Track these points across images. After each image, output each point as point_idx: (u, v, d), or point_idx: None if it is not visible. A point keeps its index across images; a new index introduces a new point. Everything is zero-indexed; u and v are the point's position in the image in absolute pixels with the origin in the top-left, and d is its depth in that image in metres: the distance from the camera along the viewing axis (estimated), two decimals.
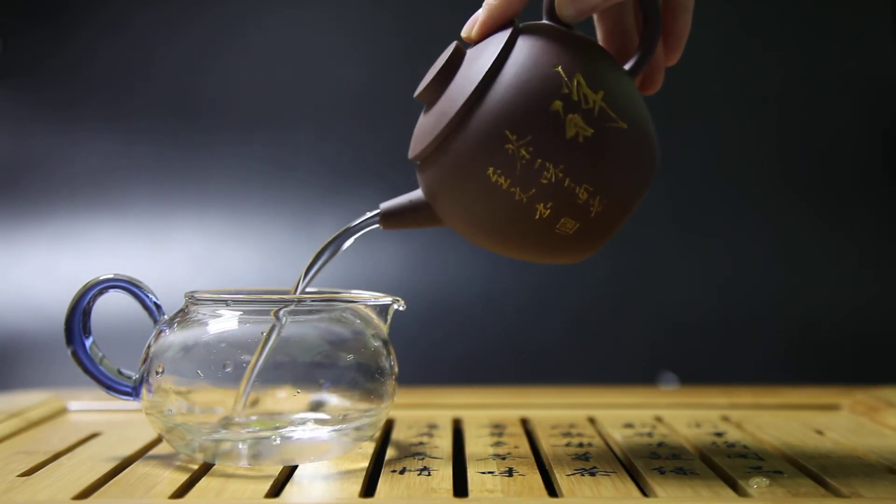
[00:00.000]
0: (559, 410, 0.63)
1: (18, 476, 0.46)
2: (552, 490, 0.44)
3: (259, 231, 0.96)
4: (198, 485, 0.45)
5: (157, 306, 0.50)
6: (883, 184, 0.97)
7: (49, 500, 0.42)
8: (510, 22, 0.46)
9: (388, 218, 0.48)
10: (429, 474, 0.46)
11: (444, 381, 0.78)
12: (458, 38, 0.47)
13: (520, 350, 0.95)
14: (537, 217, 0.44)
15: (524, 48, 0.44)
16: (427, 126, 0.46)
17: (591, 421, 0.61)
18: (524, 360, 0.95)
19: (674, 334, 0.95)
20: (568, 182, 0.43)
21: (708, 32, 0.99)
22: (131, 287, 0.50)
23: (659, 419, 0.61)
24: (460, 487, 0.45)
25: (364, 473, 0.47)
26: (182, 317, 0.49)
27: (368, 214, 0.49)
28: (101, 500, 0.42)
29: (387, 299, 0.50)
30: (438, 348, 0.94)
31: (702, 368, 0.93)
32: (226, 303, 0.48)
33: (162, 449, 0.52)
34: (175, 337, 0.48)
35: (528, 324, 0.96)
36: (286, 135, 0.99)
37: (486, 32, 0.46)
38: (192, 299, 0.49)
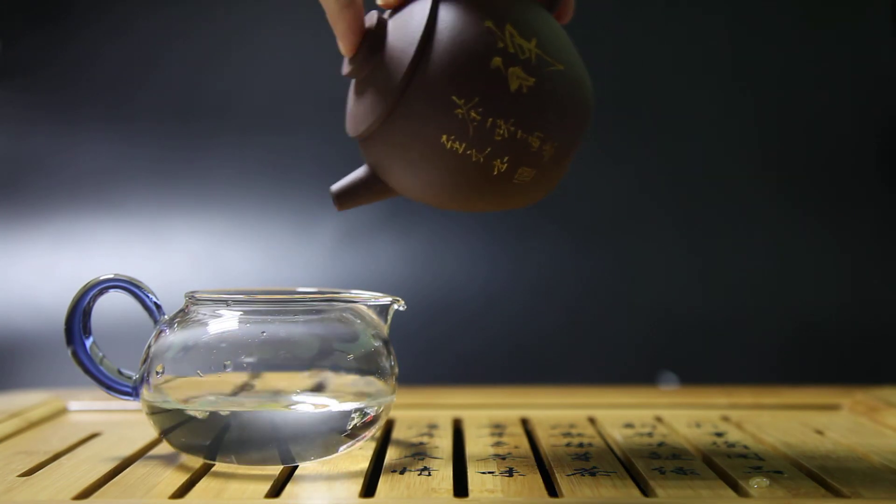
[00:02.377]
0: (559, 410, 0.63)
1: (18, 476, 0.46)
2: (552, 490, 0.44)
3: (259, 231, 0.96)
4: (198, 485, 0.45)
5: (157, 306, 0.50)
6: (883, 183, 0.97)
7: (49, 500, 0.42)
8: None
9: (341, 198, 0.48)
10: (429, 474, 0.46)
11: (444, 381, 0.78)
12: (377, 8, 0.47)
13: (519, 350, 0.95)
14: (496, 173, 0.45)
15: (450, 10, 0.44)
16: (367, 102, 0.46)
17: (591, 421, 0.61)
18: (524, 359, 0.95)
19: (674, 334, 0.95)
20: (520, 134, 0.44)
21: (707, 33, 0.99)
22: (131, 287, 0.50)
23: (659, 419, 0.61)
24: (460, 487, 0.45)
25: (364, 473, 0.47)
26: (182, 317, 0.49)
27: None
28: (101, 500, 0.42)
29: (387, 299, 0.50)
30: (438, 348, 0.94)
31: (702, 368, 0.93)
32: (226, 303, 0.48)
33: (162, 449, 0.52)
34: (175, 337, 0.48)
35: (527, 323, 0.96)
36: (285, 136, 0.99)
37: None
38: (192, 299, 0.49)
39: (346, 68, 0.47)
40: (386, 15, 0.47)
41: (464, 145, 0.44)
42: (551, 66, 0.45)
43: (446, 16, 0.44)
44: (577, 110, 0.46)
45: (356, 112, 0.47)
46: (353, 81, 0.48)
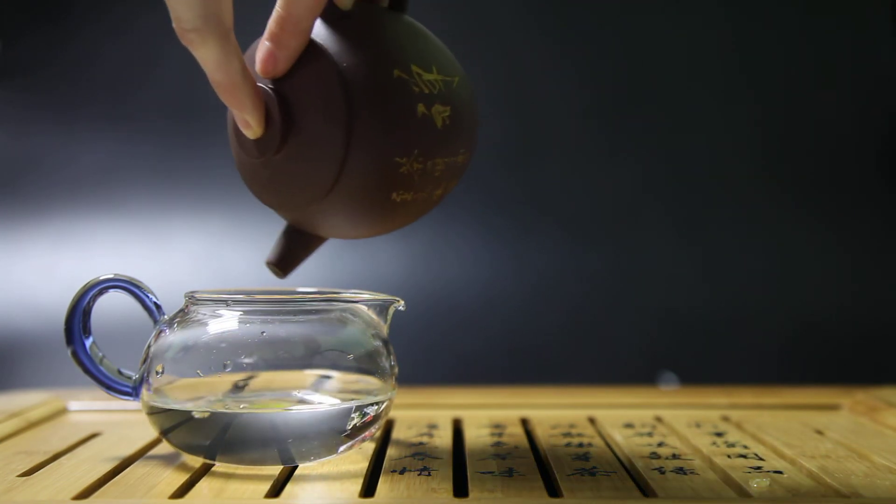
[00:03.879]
0: (559, 410, 0.63)
1: (18, 476, 0.46)
2: (552, 490, 0.44)
3: (259, 231, 0.96)
4: (198, 485, 0.45)
5: (157, 306, 0.50)
6: (883, 183, 0.97)
7: (49, 500, 0.42)
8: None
9: (283, 265, 0.48)
10: (429, 474, 0.46)
11: (444, 381, 0.78)
12: (258, 78, 0.43)
13: (520, 350, 0.95)
14: (435, 199, 0.47)
15: (354, 68, 0.42)
16: (295, 179, 0.44)
17: (591, 421, 0.61)
18: (524, 359, 0.95)
19: (674, 334, 0.95)
20: (451, 159, 0.45)
21: (706, 33, 0.99)
22: (131, 287, 0.50)
23: (659, 419, 0.61)
24: (460, 487, 0.45)
25: (364, 473, 0.47)
26: (182, 317, 0.49)
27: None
28: (101, 500, 0.42)
29: (387, 299, 0.50)
30: (438, 348, 0.94)
31: (702, 368, 0.93)
32: (226, 303, 0.48)
33: (162, 449, 0.52)
34: (175, 337, 0.48)
35: (527, 324, 0.96)
36: None
37: (292, 63, 0.43)
38: (192, 299, 0.49)
39: (252, 153, 0.44)
40: (268, 86, 0.44)
41: (411, 193, 0.45)
42: (452, 83, 0.45)
43: (354, 76, 0.42)
44: (476, 110, 0.48)
45: (278, 190, 0.45)
46: (240, 157, 0.46)
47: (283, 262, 0.48)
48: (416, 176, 0.44)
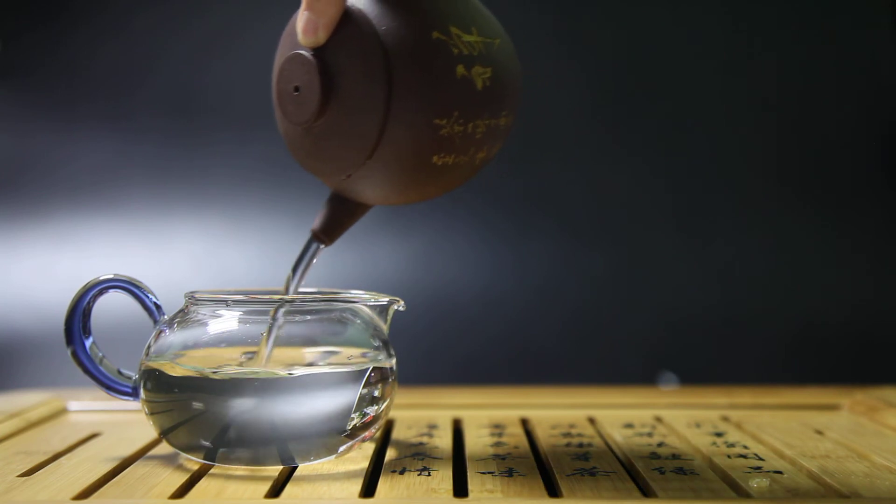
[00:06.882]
0: (559, 410, 0.63)
1: (18, 476, 0.46)
2: (552, 490, 0.44)
3: (259, 231, 0.96)
4: (198, 485, 0.45)
5: (157, 306, 0.50)
6: (883, 184, 0.97)
7: (49, 500, 0.42)
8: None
9: (328, 233, 0.48)
10: (429, 474, 0.46)
11: (444, 381, 0.78)
12: (299, 47, 0.44)
13: (520, 349, 0.95)
14: (478, 163, 0.46)
15: (393, 32, 0.43)
16: (339, 144, 0.45)
17: (591, 421, 0.61)
18: (524, 359, 0.95)
19: (674, 334, 0.95)
20: (492, 122, 0.45)
21: (707, 31, 0.99)
22: (131, 287, 0.50)
23: (659, 419, 0.61)
24: (460, 487, 0.45)
25: (364, 473, 0.47)
26: (182, 317, 0.49)
27: (312, 247, 0.49)
28: (101, 500, 0.42)
29: (387, 299, 0.50)
30: (438, 348, 0.93)
31: (702, 368, 0.93)
32: (226, 303, 0.48)
33: (162, 449, 0.52)
34: (175, 337, 0.48)
35: (527, 324, 0.96)
36: None
37: (331, 30, 0.44)
38: (192, 299, 0.49)
39: (296, 119, 0.45)
40: (309, 52, 0.44)
41: (452, 156, 0.45)
42: (493, 46, 0.45)
43: (393, 39, 0.43)
44: (518, 72, 0.47)
45: (322, 156, 0.46)
46: (285, 126, 0.47)
47: (328, 231, 0.48)
48: (456, 138, 0.44)
